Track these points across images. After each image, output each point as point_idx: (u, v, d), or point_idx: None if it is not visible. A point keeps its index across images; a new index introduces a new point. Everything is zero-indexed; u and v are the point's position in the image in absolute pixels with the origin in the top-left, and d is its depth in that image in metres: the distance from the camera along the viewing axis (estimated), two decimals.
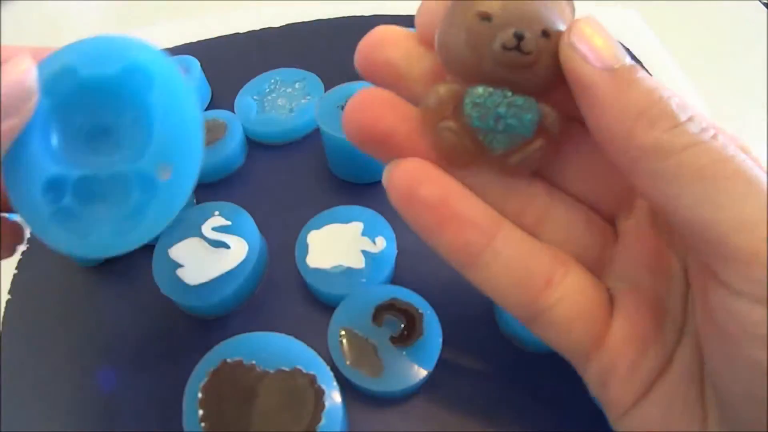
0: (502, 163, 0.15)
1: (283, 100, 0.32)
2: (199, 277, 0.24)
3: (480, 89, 0.14)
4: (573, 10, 0.14)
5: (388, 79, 0.16)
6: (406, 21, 0.16)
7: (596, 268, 0.16)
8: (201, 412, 0.19)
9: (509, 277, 0.15)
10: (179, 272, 0.24)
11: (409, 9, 0.40)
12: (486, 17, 0.14)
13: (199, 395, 0.19)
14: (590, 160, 0.16)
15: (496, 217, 0.15)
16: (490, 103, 0.14)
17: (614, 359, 0.15)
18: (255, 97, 0.33)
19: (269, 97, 0.33)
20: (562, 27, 0.14)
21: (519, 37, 0.13)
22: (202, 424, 0.19)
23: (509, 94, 0.14)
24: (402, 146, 0.15)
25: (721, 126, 0.13)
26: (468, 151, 0.15)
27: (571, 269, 0.15)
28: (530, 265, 0.15)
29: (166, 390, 0.22)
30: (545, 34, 0.14)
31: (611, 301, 0.15)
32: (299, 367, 0.20)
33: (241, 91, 0.33)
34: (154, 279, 0.24)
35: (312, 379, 0.20)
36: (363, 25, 0.39)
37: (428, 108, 0.15)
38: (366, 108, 0.15)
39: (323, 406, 0.19)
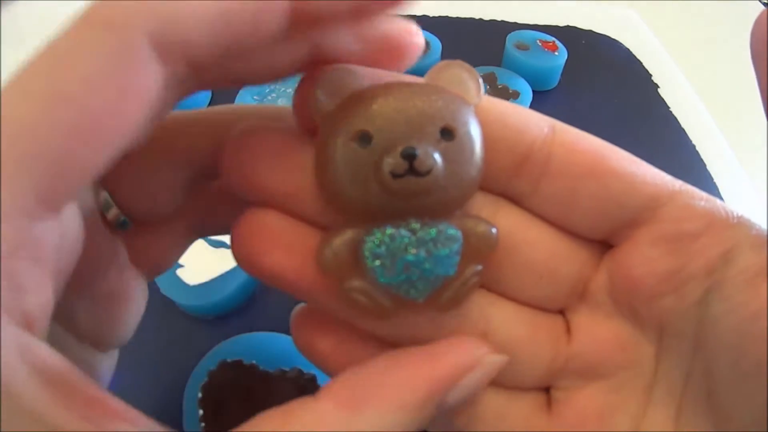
0: (432, 304, 0.12)
1: (283, 100, 0.32)
2: (199, 277, 0.24)
3: (377, 235, 0.11)
4: (478, 81, 0.12)
5: (262, 199, 0.12)
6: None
7: (546, 379, 0.14)
8: (201, 412, 0.19)
9: None
10: (179, 272, 0.24)
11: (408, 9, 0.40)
12: (364, 138, 0.11)
13: (199, 395, 0.19)
14: (529, 251, 0.13)
15: None
16: (394, 248, 0.11)
17: None
18: (255, 97, 0.33)
19: (269, 98, 0.33)
20: (468, 114, 0.11)
21: (409, 157, 0.10)
22: (202, 424, 0.19)
23: (417, 226, 0.11)
24: (295, 286, 0.12)
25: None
26: (385, 309, 0.12)
27: None
28: None
29: (166, 390, 0.22)
30: (447, 132, 0.11)
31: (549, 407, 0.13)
32: (299, 367, 0.20)
33: (241, 91, 0.33)
34: (154, 279, 0.24)
35: (312, 379, 0.20)
36: None
37: (324, 267, 0.11)
38: (248, 241, 0.12)
39: None
